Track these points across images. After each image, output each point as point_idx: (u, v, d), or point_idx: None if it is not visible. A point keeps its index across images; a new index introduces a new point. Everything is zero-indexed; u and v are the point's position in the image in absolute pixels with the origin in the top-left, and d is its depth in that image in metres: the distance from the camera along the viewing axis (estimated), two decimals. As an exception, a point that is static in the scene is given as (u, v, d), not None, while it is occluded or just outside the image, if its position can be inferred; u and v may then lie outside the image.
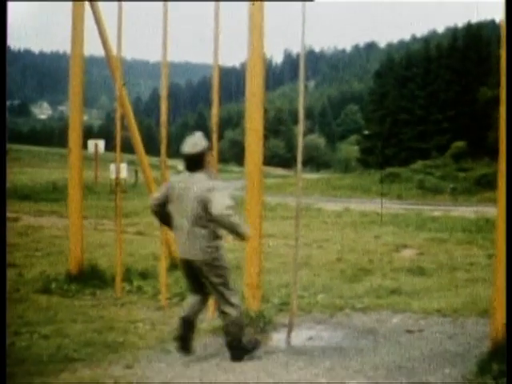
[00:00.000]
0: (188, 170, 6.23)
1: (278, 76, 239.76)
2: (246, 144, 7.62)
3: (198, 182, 6.05)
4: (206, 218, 5.91)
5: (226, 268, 6.10)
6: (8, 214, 18.53)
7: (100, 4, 9.73)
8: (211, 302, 7.53)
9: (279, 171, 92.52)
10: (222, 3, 7.68)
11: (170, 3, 8.12)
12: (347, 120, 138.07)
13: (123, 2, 8.78)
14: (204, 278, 6.07)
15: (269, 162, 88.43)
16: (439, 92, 72.37)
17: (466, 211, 26.95)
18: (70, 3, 9.55)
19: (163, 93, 8.28)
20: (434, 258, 12.99)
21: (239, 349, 6.19)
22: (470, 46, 72.90)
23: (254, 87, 7.58)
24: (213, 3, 7.68)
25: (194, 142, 6.25)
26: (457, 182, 49.87)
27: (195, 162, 6.20)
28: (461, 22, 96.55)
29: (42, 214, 22.53)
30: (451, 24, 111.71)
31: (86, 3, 9.58)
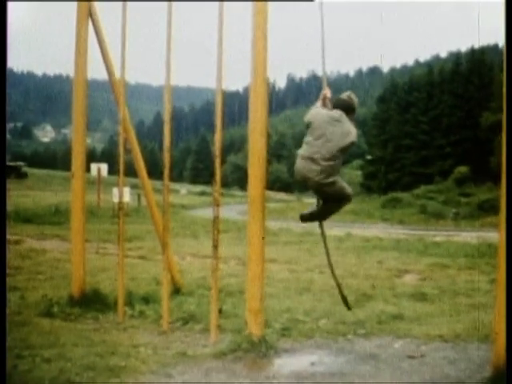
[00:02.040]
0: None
1: (281, 100, 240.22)
2: (248, 168, 7.65)
3: None
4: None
5: None
6: (10, 237, 18.61)
7: (103, 28, 9.82)
8: (213, 326, 7.57)
9: (282, 196, 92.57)
10: (225, 28, 7.74)
11: (173, 27, 8.18)
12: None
13: (127, 26, 8.84)
14: None
15: (271, 186, 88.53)
16: (442, 117, 72.64)
17: (469, 236, 26.90)
18: (74, 27, 9.64)
19: (166, 118, 8.31)
20: (436, 284, 12.99)
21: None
22: (473, 71, 73.22)
23: (257, 112, 7.62)
24: (216, 28, 7.72)
25: None
26: (459, 207, 49.91)
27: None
28: (464, 47, 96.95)
29: (44, 237, 22.52)
30: (454, 49, 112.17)
31: (90, 29, 9.67)
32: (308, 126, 7.43)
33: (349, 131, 7.25)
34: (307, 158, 7.22)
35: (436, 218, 47.66)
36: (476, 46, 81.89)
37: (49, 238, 22.34)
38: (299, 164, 7.34)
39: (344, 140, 7.18)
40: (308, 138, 7.34)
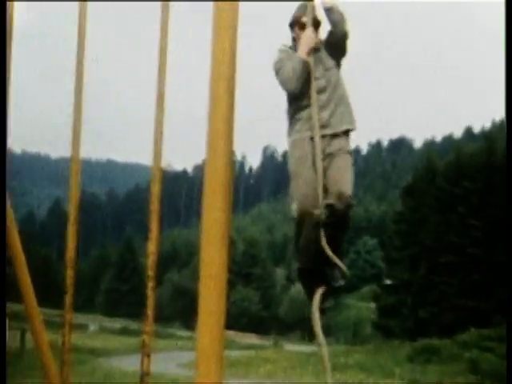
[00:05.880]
0: None
1: (253, 188, 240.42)
2: (199, 294, 7.61)
3: None
4: None
5: None
6: None
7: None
8: None
9: (250, 338, 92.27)
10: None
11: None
12: (359, 261, 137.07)
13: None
14: None
15: (234, 323, 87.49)
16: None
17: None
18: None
19: (71, 208, 8.36)
20: None
21: None
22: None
23: (214, 207, 7.60)
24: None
25: None
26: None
27: None
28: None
29: None
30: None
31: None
32: None
33: None
34: None
35: (493, 380, 47.71)
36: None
37: None
38: None
39: None
40: None
